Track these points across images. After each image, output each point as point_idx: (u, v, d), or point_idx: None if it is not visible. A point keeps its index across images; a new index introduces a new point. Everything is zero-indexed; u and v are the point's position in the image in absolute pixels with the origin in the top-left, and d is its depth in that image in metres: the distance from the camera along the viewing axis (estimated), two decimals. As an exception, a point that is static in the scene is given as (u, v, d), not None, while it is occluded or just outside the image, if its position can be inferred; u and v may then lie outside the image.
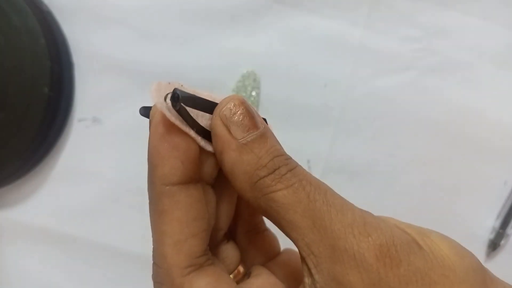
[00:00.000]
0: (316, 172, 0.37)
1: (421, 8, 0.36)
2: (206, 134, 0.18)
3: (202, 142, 0.18)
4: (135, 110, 0.21)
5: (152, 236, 0.17)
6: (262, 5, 0.36)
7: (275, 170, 0.17)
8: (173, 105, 0.17)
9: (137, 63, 0.37)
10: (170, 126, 0.17)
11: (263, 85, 0.37)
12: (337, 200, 0.17)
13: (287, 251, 0.22)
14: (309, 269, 0.16)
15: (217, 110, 0.18)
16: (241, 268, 0.22)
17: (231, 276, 0.21)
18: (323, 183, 0.17)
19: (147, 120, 0.20)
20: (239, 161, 0.17)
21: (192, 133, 0.17)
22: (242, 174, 0.17)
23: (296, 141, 0.37)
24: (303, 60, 0.37)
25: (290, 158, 0.18)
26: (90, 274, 0.40)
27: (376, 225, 0.16)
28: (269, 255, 0.22)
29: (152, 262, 0.18)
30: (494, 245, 0.36)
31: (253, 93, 0.37)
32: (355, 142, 0.37)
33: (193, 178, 0.17)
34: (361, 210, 0.17)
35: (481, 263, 0.16)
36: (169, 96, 0.17)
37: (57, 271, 0.40)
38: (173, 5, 0.37)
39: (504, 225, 0.35)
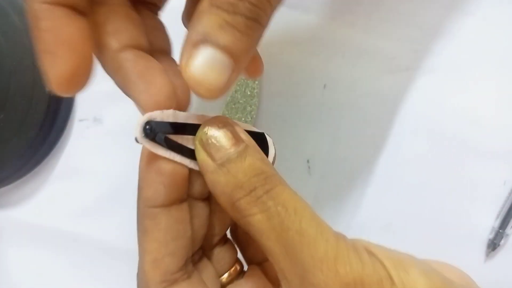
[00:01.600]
0: (316, 172, 0.37)
1: (420, 8, 0.36)
2: (194, 154, 0.19)
3: (192, 164, 0.18)
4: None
5: (138, 251, 0.19)
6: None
7: (251, 191, 0.17)
8: (147, 137, 0.17)
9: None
10: (154, 156, 0.18)
11: (263, 85, 0.37)
12: (312, 229, 0.16)
13: None
14: None
15: (197, 134, 0.18)
16: (237, 266, 0.22)
17: (225, 275, 0.22)
18: (303, 205, 0.17)
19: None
20: (217, 182, 0.18)
21: (177, 158, 0.18)
22: (221, 195, 0.18)
23: (296, 141, 0.37)
24: (303, 60, 0.37)
25: (272, 175, 0.18)
26: (90, 274, 0.40)
27: (347, 260, 0.16)
28: (264, 255, 0.23)
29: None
30: (493, 245, 0.36)
31: (253, 93, 0.37)
32: (355, 142, 0.37)
33: (177, 200, 0.18)
34: (337, 239, 0.17)
35: None
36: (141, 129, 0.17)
37: (57, 271, 0.40)
38: (174, 6, 0.37)
39: (503, 225, 0.35)
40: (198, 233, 0.20)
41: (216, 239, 0.22)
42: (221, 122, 0.18)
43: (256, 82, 0.37)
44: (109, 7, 0.18)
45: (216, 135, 0.18)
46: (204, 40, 0.16)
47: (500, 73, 0.35)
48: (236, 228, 0.23)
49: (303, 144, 0.37)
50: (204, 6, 0.16)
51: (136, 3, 0.20)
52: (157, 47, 0.21)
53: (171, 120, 0.18)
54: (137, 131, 0.17)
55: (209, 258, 0.22)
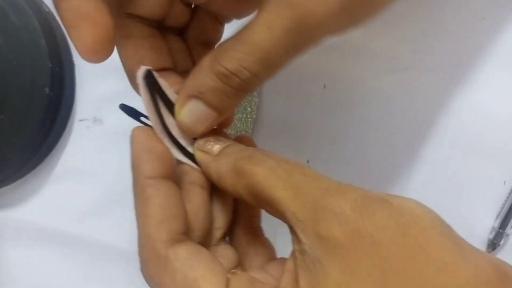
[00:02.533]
0: (316, 172, 0.37)
1: (420, 8, 0.36)
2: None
3: (180, 156, 0.23)
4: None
5: (137, 224, 0.20)
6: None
7: (250, 157, 0.20)
8: (146, 81, 0.21)
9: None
10: (149, 136, 0.21)
11: (263, 85, 0.37)
12: (313, 172, 0.20)
13: (281, 260, 0.23)
14: (297, 236, 0.18)
15: (195, 145, 0.23)
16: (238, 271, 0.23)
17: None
18: (299, 162, 0.20)
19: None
20: (219, 165, 0.21)
21: (165, 140, 0.22)
22: (226, 172, 0.21)
23: (296, 141, 0.37)
24: (303, 60, 0.37)
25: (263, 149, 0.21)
26: (91, 274, 0.40)
27: (349, 185, 0.19)
28: (265, 258, 0.23)
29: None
30: (493, 245, 0.36)
31: (253, 93, 0.37)
32: (354, 142, 0.37)
33: (170, 176, 0.21)
34: (335, 180, 0.20)
35: (444, 220, 0.18)
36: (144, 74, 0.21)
37: (57, 271, 0.40)
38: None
39: (503, 225, 0.35)
40: (195, 220, 0.21)
41: (219, 232, 0.23)
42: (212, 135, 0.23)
43: (256, 82, 0.37)
44: (136, 40, 0.22)
45: (210, 141, 0.23)
46: (197, 96, 0.21)
47: (500, 73, 0.35)
48: (235, 230, 0.24)
49: (303, 144, 0.37)
50: (204, 65, 0.21)
51: (162, 29, 0.24)
52: (182, 68, 0.24)
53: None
54: (139, 76, 0.21)
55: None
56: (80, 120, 0.39)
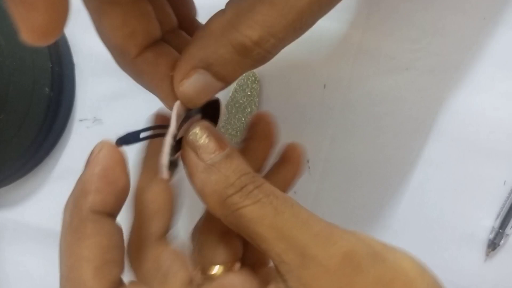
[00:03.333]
0: (316, 172, 0.37)
1: (420, 8, 0.36)
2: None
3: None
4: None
5: (64, 263, 0.17)
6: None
7: (242, 188, 0.18)
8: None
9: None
10: (116, 162, 0.18)
11: (263, 85, 0.37)
12: (304, 213, 0.18)
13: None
14: (282, 275, 0.17)
15: (184, 137, 0.19)
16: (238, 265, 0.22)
17: (217, 267, 0.22)
18: (290, 197, 0.18)
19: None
20: (207, 181, 0.18)
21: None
22: (212, 193, 0.18)
23: (296, 141, 0.37)
24: (303, 60, 0.37)
25: (257, 175, 0.19)
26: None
27: (341, 234, 0.17)
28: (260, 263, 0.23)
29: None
30: (493, 245, 0.36)
31: (253, 93, 0.37)
32: (354, 142, 0.37)
33: (117, 213, 0.18)
34: (327, 222, 0.18)
35: (440, 283, 0.17)
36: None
37: (57, 271, 0.40)
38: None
39: (503, 225, 0.35)
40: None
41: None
42: (205, 126, 0.19)
43: (256, 82, 0.37)
44: (123, 7, 0.18)
45: (206, 135, 0.19)
46: (205, 67, 0.17)
47: (500, 73, 0.35)
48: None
49: (303, 144, 0.37)
50: (215, 30, 0.17)
51: None
52: (167, 27, 0.20)
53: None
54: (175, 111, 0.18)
55: (208, 245, 0.22)
56: (80, 120, 0.39)
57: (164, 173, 0.19)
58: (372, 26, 0.36)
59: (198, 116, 0.20)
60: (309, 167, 0.37)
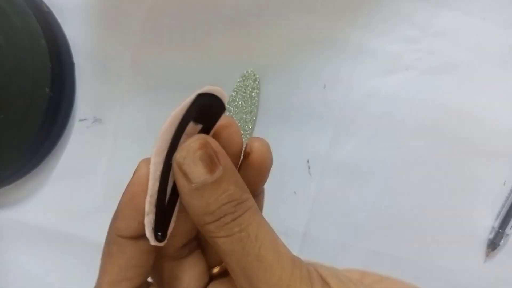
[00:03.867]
0: (316, 172, 0.37)
1: (420, 8, 0.36)
2: None
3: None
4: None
5: (99, 268, 0.21)
6: (262, 6, 0.36)
7: (220, 218, 0.18)
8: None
9: (138, 63, 0.38)
10: (141, 190, 0.19)
11: (263, 85, 0.37)
12: (270, 256, 0.18)
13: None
14: None
15: (175, 155, 0.18)
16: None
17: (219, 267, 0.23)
18: (265, 232, 0.18)
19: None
20: (189, 204, 0.18)
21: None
22: (193, 215, 0.19)
23: (295, 141, 0.37)
24: (303, 60, 0.37)
25: (243, 202, 0.18)
26: (90, 274, 0.39)
27: (302, 287, 0.18)
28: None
29: None
30: (493, 245, 0.36)
31: (253, 94, 0.37)
32: (354, 142, 0.37)
33: (142, 234, 0.19)
34: (293, 267, 0.18)
35: None
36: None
37: (57, 271, 0.40)
38: (174, 6, 0.37)
39: (503, 225, 0.35)
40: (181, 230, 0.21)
41: (177, 247, 0.22)
42: (199, 143, 0.18)
43: (256, 82, 0.37)
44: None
45: (194, 156, 0.18)
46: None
47: (500, 73, 0.35)
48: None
49: (303, 144, 0.37)
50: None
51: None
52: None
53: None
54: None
55: (205, 249, 0.23)
56: (80, 120, 0.39)
57: (150, 238, 0.19)
58: (372, 26, 0.36)
59: (196, 127, 0.19)
60: (309, 167, 0.37)
